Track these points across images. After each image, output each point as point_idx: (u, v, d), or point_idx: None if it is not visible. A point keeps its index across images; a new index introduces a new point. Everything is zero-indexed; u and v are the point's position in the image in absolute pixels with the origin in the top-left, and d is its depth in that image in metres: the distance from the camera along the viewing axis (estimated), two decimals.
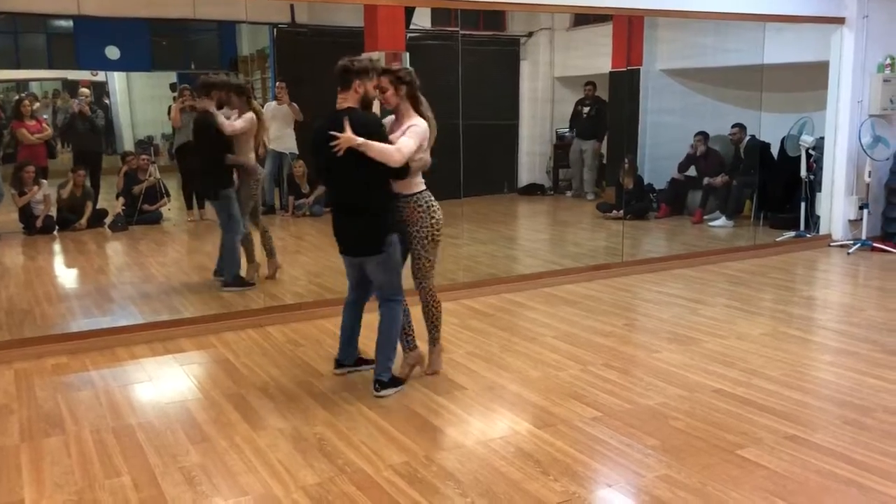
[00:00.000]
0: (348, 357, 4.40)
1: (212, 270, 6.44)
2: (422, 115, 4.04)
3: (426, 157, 4.09)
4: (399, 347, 4.27)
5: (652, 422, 3.73)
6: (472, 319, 5.54)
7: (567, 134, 11.60)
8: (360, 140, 3.74)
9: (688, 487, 3.08)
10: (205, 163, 6.17)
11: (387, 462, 3.34)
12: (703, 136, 9.55)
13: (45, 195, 8.59)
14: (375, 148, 3.78)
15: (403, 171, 3.92)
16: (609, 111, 10.69)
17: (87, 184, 8.95)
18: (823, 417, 3.77)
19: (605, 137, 10.87)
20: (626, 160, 9.80)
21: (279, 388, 4.25)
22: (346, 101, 3.89)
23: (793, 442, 3.48)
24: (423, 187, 4.15)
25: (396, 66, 4.14)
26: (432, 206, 4.13)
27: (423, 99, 4.06)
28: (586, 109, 10.85)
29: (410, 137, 3.90)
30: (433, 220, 4.12)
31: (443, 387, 4.22)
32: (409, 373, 4.29)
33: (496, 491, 3.08)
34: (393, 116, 4.14)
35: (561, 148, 11.93)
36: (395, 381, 4.16)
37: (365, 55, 7.65)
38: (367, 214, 3.96)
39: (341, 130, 3.74)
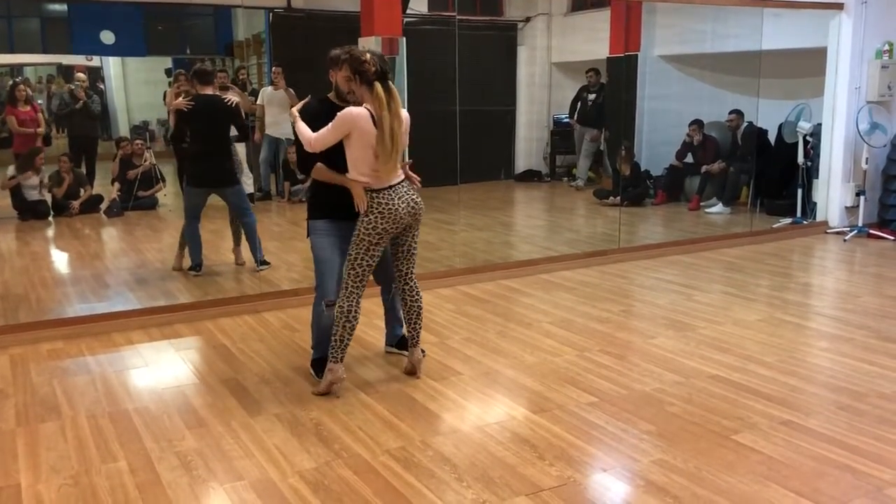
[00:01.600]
0: (389, 338, 4.54)
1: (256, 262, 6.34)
2: (373, 106, 3.70)
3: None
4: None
5: (648, 407, 3.74)
6: (469, 305, 5.54)
7: (565, 120, 11.56)
8: (294, 114, 3.90)
9: (683, 472, 3.10)
10: (220, 148, 6.05)
11: (383, 447, 3.35)
12: (697, 124, 9.53)
13: (41, 179, 8.57)
14: (297, 127, 3.85)
15: (301, 165, 4.02)
16: (607, 97, 10.66)
17: (81, 169, 8.95)
18: (818, 403, 3.79)
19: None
20: (624, 146, 9.79)
21: (275, 373, 4.26)
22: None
23: (788, 427, 3.49)
24: (372, 186, 3.78)
25: (357, 53, 3.73)
26: (379, 209, 3.77)
27: (379, 89, 3.65)
28: (592, 97, 10.79)
29: (328, 129, 3.73)
30: (366, 219, 3.79)
31: (439, 372, 4.23)
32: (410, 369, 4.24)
33: (492, 475, 3.09)
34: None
35: (558, 134, 11.91)
36: (317, 367, 4.10)
37: (361, 40, 7.63)
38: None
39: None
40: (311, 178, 4.01)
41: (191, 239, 6.22)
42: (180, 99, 5.98)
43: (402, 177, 3.89)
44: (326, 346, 4.07)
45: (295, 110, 3.93)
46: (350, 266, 3.85)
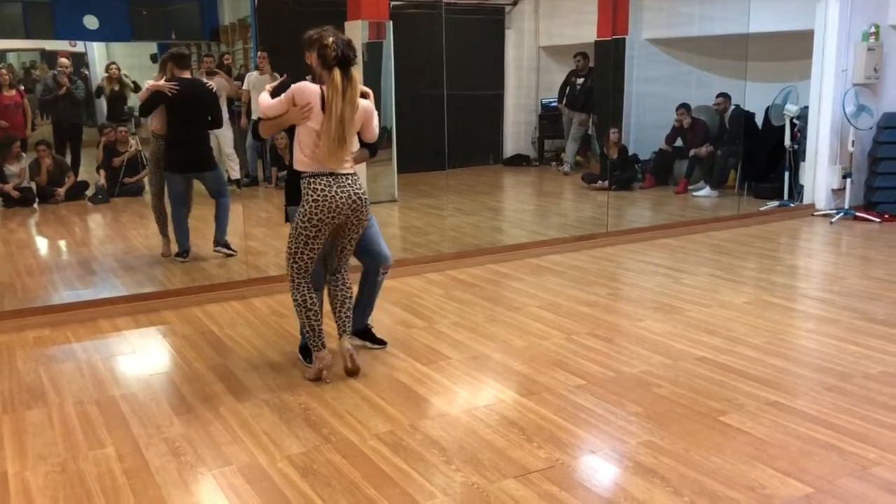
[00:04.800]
0: (355, 323, 4.25)
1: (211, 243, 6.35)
2: (328, 91, 3.61)
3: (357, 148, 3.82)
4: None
5: (636, 389, 3.75)
6: (457, 290, 5.54)
7: (554, 104, 11.54)
8: (266, 89, 3.84)
9: (671, 453, 3.11)
10: (201, 133, 6.10)
11: (372, 431, 3.35)
12: (685, 108, 9.52)
13: (21, 168, 8.49)
14: (260, 97, 3.81)
15: (254, 131, 4.03)
16: (595, 81, 10.64)
17: (65, 157, 8.87)
18: (804, 384, 3.81)
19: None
20: (612, 131, 9.78)
21: (263, 358, 4.25)
22: None
23: (774, 408, 3.51)
24: (309, 170, 3.70)
25: (322, 35, 3.63)
26: (312, 196, 3.67)
27: (337, 75, 3.57)
28: (580, 81, 10.78)
29: (280, 98, 3.68)
30: (301, 209, 3.72)
31: (427, 356, 4.23)
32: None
33: (481, 458, 3.10)
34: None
35: (546, 118, 11.88)
36: (306, 352, 4.10)
37: (347, 24, 7.57)
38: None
39: None
40: (263, 139, 4.01)
41: (177, 226, 6.20)
42: (163, 81, 5.93)
43: (351, 169, 3.77)
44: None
45: (268, 87, 3.88)
46: (291, 259, 3.78)
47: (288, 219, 4.02)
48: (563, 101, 11.08)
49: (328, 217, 3.69)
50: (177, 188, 6.10)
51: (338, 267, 3.97)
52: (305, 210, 3.68)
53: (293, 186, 3.94)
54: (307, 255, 3.77)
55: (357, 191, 3.75)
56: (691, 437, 3.24)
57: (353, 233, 3.87)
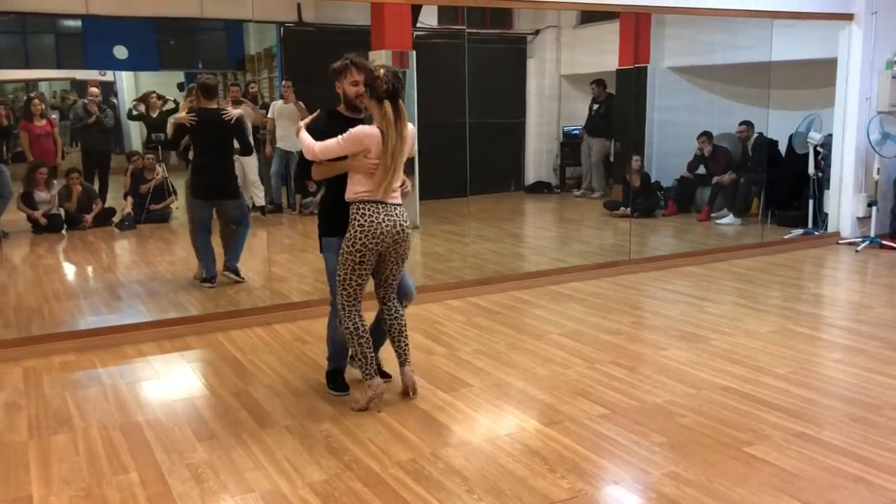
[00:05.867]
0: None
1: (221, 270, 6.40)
2: (380, 124, 3.70)
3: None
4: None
5: (659, 419, 3.72)
6: (479, 317, 5.53)
7: (575, 132, 11.60)
8: (299, 126, 3.90)
9: (695, 484, 3.08)
10: (223, 161, 6.19)
11: (393, 459, 3.34)
12: (706, 136, 9.52)
13: (52, 195, 8.64)
14: (300, 136, 3.84)
15: (300, 172, 4.09)
16: (616, 109, 10.68)
17: (92, 185, 9.02)
18: (831, 415, 3.76)
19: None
20: (634, 158, 9.78)
21: (286, 385, 4.26)
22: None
23: (800, 439, 3.47)
24: (359, 199, 3.75)
25: (375, 66, 3.74)
26: (359, 221, 3.73)
27: (388, 108, 3.65)
28: (595, 107, 10.87)
29: (338, 141, 3.71)
30: (347, 235, 3.76)
31: (449, 384, 4.22)
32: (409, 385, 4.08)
33: (503, 488, 3.08)
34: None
35: (568, 146, 11.93)
36: (332, 379, 4.12)
37: (372, 53, 7.67)
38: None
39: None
40: (313, 181, 3.99)
41: (203, 252, 6.27)
42: (183, 113, 6.07)
43: (398, 199, 3.84)
44: (340, 359, 4.11)
45: (302, 123, 3.92)
46: (341, 287, 3.81)
47: (323, 250, 4.02)
48: (584, 128, 11.17)
49: (372, 243, 3.74)
50: (200, 214, 6.20)
51: (385, 296, 4.00)
52: (351, 235, 3.74)
53: (327, 217, 3.98)
54: (355, 281, 3.80)
55: (402, 222, 3.82)
56: (715, 468, 3.21)
57: (393, 263, 3.90)
